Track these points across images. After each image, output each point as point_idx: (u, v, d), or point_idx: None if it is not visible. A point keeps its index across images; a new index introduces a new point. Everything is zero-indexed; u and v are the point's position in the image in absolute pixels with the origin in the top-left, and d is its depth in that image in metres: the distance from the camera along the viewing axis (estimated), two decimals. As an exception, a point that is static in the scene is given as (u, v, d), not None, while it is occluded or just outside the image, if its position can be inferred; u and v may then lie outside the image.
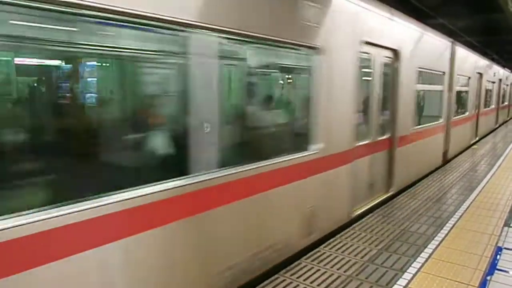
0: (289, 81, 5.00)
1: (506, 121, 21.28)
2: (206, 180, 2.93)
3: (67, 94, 2.91)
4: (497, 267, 3.65)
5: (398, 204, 5.63)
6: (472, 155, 9.96)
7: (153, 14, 2.46)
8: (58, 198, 2.18)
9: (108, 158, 2.72)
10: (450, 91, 9.02)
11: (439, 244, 4.16)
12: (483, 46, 14.38)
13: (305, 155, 4.01)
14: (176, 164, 2.95)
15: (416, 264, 3.70)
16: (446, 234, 4.44)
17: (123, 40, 2.72)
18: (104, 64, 3.07)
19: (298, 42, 3.81)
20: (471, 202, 5.69)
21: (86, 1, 2.13)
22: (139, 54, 2.92)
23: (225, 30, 3.01)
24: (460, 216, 5.06)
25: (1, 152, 2.26)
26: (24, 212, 2.02)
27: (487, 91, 14.34)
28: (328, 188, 4.42)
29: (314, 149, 4.12)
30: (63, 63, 2.79)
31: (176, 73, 3.13)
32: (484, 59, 13.11)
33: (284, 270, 3.57)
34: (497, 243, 4.19)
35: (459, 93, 10.00)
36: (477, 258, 3.82)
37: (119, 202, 2.38)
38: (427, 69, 7.49)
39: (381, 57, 5.57)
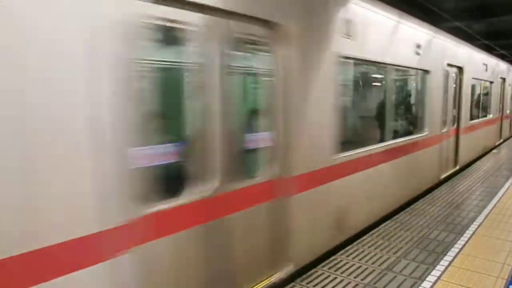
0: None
1: None
2: None
3: None
4: (521, 275, 3.55)
5: (416, 210, 5.54)
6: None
7: None
8: None
9: None
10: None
11: (459, 252, 4.07)
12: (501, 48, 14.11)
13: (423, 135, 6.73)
14: None
15: (436, 272, 3.63)
16: (466, 241, 4.35)
17: None
18: None
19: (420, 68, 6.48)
20: (492, 208, 5.57)
21: None
22: None
23: None
24: (481, 223, 4.95)
25: None
26: None
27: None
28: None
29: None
30: None
31: None
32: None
33: (300, 278, 3.56)
34: (520, 250, 4.08)
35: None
36: (499, 266, 3.72)
37: None
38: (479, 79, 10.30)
39: (452, 72, 7.95)
